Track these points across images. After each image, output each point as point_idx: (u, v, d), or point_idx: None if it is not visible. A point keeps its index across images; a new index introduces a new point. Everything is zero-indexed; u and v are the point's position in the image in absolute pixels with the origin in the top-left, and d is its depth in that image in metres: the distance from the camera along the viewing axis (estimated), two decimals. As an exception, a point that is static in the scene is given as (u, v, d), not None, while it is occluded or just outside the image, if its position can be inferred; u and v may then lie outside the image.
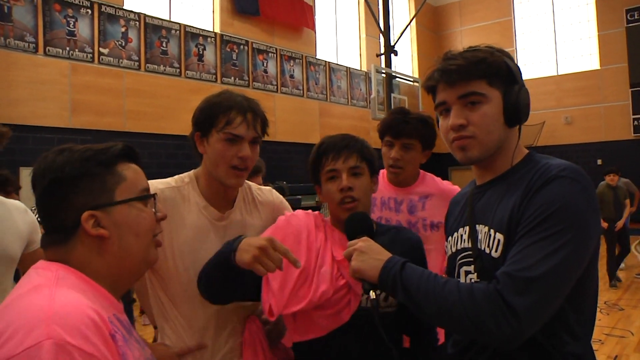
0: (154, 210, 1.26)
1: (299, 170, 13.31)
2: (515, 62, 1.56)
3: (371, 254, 1.54)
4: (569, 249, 1.31)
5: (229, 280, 1.68)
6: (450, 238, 1.70)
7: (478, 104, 1.48)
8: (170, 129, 10.60)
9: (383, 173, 2.74)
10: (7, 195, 3.67)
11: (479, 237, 1.52)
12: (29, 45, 9.05)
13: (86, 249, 1.16)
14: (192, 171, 2.00)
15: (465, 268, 1.57)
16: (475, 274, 1.50)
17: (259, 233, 1.95)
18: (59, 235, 1.17)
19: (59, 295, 1.03)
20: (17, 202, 2.45)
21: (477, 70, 1.47)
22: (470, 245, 1.55)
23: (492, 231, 1.47)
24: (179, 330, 1.89)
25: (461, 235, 1.62)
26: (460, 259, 1.60)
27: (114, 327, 1.07)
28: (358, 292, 1.72)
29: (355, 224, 1.69)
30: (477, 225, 1.54)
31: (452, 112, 1.51)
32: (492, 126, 1.48)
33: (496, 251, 1.43)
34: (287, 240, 1.76)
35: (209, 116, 1.86)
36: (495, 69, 1.48)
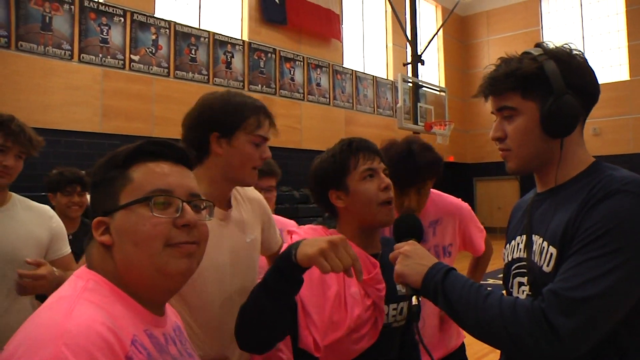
0: (167, 214, 1.09)
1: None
2: (579, 59, 1.42)
3: (416, 259, 1.47)
4: (624, 270, 1.20)
5: (268, 313, 1.46)
6: (507, 245, 1.61)
7: (512, 117, 1.43)
8: (197, 135, 10.71)
9: None
10: (69, 195, 3.68)
11: (534, 248, 1.43)
12: (65, 52, 9.30)
13: (100, 257, 1.11)
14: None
15: (518, 279, 1.49)
16: (528, 286, 1.42)
17: (255, 229, 1.97)
18: (90, 237, 1.14)
19: (77, 310, 0.97)
20: (45, 207, 2.43)
21: (508, 83, 1.42)
22: (525, 256, 1.47)
23: (545, 243, 1.38)
24: (192, 336, 1.86)
25: (518, 244, 1.54)
26: (515, 269, 1.52)
27: (136, 348, 0.99)
28: (382, 309, 1.66)
29: (404, 226, 1.62)
30: (533, 235, 1.46)
31: (494, 124, 1.49)
32: (526, 140, 1.42)
33: (548, 265, 1.34)
34: (313, 269, 1.53)
35: (235, 117, 1.83)
36: (527, 80, 1.40)
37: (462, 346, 2.71)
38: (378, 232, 1.79)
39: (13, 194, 2.30)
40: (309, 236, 1.64)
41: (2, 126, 2.14)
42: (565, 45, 1.45)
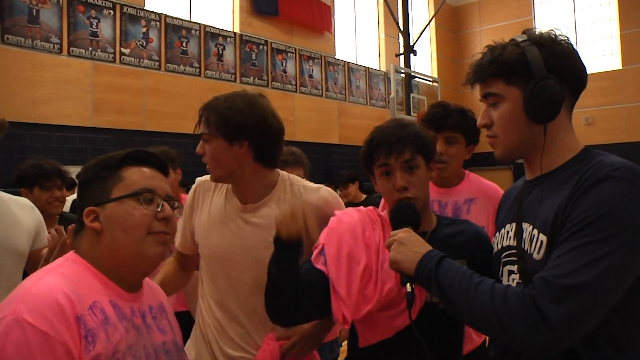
0: (151, 208, 1.34)
1: (318, 169, 13.33)
2: (564, 45, 1.42)
3: (410, 246, 1.48)
4: (615, 257, 1.19)
5: (277, 280, 1.61)
6: (497, 234, 1.61)
7: (497, 104, 1.45)
8: (189, 128, 10.48)
9: None
10: (49, 190, 3.34)
11: (524, 235, 1.43)
12: (53, 46, 9.19)
13: (88, 240, 1.33)
14: None
15: (508, 267, 1.49)
16: (518, 274, 1.42)
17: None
18: (77, 227, 1.37)
19: (44, 279, 1.20)
20: (23, 199, 2.49)
21: (490, 70, 1.44)
22: (515, 244, 1.47)
23: (535, 231, 1.38)
24: (208, 308, 2.01)
25: (507, 232, 1.54)
26: (505, 257, 1.52)
27: (92, 311, 1.20)
28: (422, 288, 1.59)
29: (400, 214, 1.62)
30: (523, 223, 1.46)
31: (482, 111, 1.51)
32: (511, 126, 1.43)
33: (538, 253, 1.34)
34: (344, 240, 1.70)
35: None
36: (510, 65, 1.41)
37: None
38: (423, 212, 1.72)
39: None
40: (355, 218, 1.76)
41: None
42: (551, 32, 1.45)
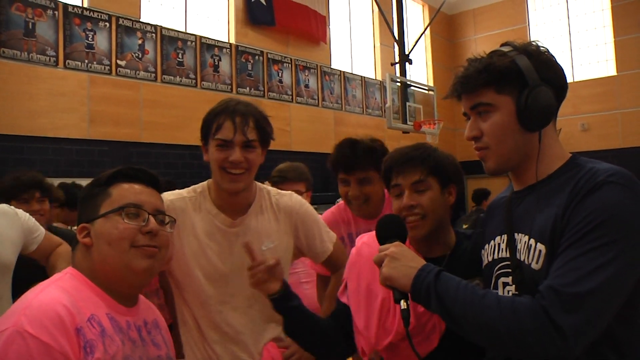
0: (135, 222, 1.38)
1: (315, 179, 13.32)
2: (547, 55, 1.43)
3: (404, 261, 1.42)
4: (620, 261, 1.20)
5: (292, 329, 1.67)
6: (487, 246, 1.58)
7: (487, 114, 1.42)
8: (186, 139, 10.64)
9: (346, 208, 2.59)
10: (26, 203, 3.15)
11: (518, 246, 1.41)
12: (49, 59, 9.18)
13: (82, 255, 1.40)
14: (205, 181, 2.03)
15: (503, 279, 1.46)
16: (514, 286, 1.40)
17: (276, 238, 1.96)
18: (74, 243, 1.43)
19: (45, 292, 1.25)
20: (3, 206, 2.41)
21: (481, 79, 1.41)
22: (508, 255, 1.44)
23: (532, 241, 1.36)
24: (190, 338, 1.92)
25: (498, 244, 1.51)
26: (498, 269, 1.49)
27: (90, 323, 1.24)
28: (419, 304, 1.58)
29: (386, 227, 1.57)
30: (515, 234, 1.44)
31: (469, 123, 1.47)
32: (504, 135, 1.41)
33: (537, 263, 1.33)
34: (362, 275, 1.68)
35: (205, 125, 1.91)
36: (501, 74, 1.40)
37: None
38: (438, 234, 1.71)
39: None
40: (373, 249, 1.61)
41: None
42: (532, 43, 1.45)
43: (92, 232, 1.38)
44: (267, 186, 2.09)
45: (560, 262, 1.25)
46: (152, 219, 1.40)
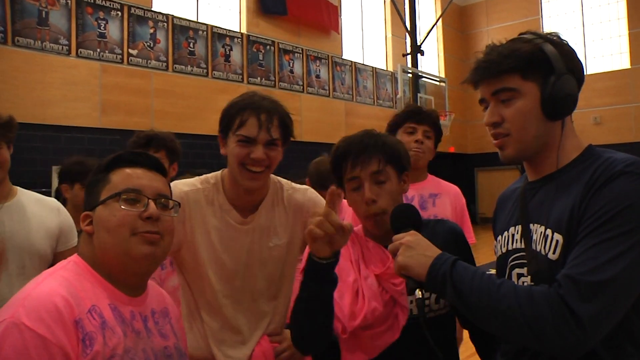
0: (135, 208, 1.32)
1: (324, 170, 13.33)
2: (567, 45, 1.42)
3: (419, 250, 1.40)
4: (638, 250, 1.19)
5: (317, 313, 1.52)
6: (500, 237, 1.56)
7: (511, 100, 1.39)
8: (197, 129, 10.70)
9: None
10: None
11: (533, 237, 1.39)
12: (62, 47, 9.27)
13: (84, 243, 1.36)
14: (219, 171, 1.98)
15: (517, 270, 1.44)
16: (529, 277, 1.38)
17: (285, 234, 1.96)
18: (79, 232, 1.42)
19: (45, 282, 1.22)
20: (50, 199, 2.46)
21: (506, 64, 1.37)
22: (523, 246, 1.43)
23: (548, 231, 1.34)
24: (197, 333, 1.92)
25: (512, 235, 1.49)
26: (512, 260, 1.47)
27: (90, 315, 1.21)
28: (405, 305, 1.58)
29: (401, 216, 1.53)
30: (530, 225, 1.42)
31: (488, 109, 1.43)
32: (527, 122, 1.38)
33: (554, 253, 1.31)
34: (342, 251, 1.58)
35: (226, 118, 1.84)
36: (528, 60, 1.37)
37: None
38: None
39: (17, 187, 2.32)
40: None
41: (2, 128, 2.15)
42: (553, 33, 1.44)
43: (93, 219, 1.33)
44: (281, 179, 2.05)
45: (577, 251, 1.24)
46: (152, 203, 1.34)
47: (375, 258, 1.63)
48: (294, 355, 1.91)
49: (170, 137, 3.00)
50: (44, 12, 9.03)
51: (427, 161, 2.75)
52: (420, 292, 1.41)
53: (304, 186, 2.10)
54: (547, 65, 1.37)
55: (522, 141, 1.40)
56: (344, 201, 2.75)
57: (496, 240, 1.59)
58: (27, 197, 2.33)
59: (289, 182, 2.07)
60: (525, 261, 1.41)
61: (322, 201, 2.05)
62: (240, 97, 1.87)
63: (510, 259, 1.48)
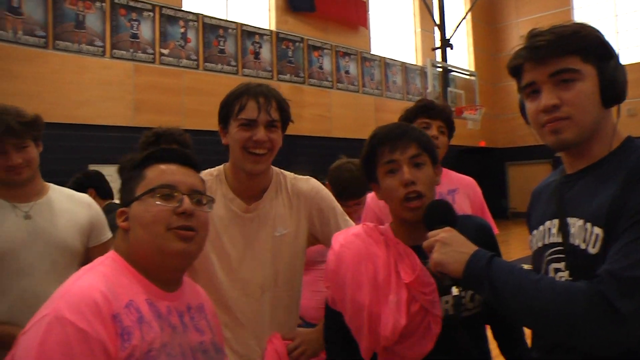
0: (170, 204, 1.32)
1: (354, 165, 13.33)
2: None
3: (455, 246, 1.38)
4: None
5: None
6: (535, 232, 1.52)
7: (572, 82, 1.33)
8: (228, 127, 10.79)
9: None
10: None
11: (571, 231, 1.35)
12: (97, 49, 9.49)
13: (121, 239, 1.37)
14: (222, 165, 2.01)
15: (554, 265, 1.41)
16: (567, 271, 1.35)
17: (289, 224, 1.96)
18: (116, 228, 1.41)
19: (84, 278, 1.25)
20: (82, 195, 2.48)
21: (569, 44, 1.32)
22: (560, 240, 1.39)
23: (588, 225, 1.30)
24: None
25: (549, 229, 1.45)
26: (549, 254, 1.43)
27: (128, 309, 1.23)
28: (437, 313, 1.50)
29: (436, 212, 1.51)
30: (568, 218, 1.38)
31: (543, 93, 1.36)
32: (589, 106, 1.33)
33: (594, 247, 1.28)
34: (347, 283, 1.59)
35: (225, 107, 1.88)
36: (588, 42, 1.33)
37: None
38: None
39: (49, 184, 2.35)
40: (353, 251, 1.60)
41: (28, 126, 2.18)
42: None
43: (129, 215, 1.35)
44: (284, 170, 2.06)
45: (618, 244, 1.20)
46: (186, 199, 1.34)
47: (405, 264, 1.55)
48: (306, 352, 1.91)
49: (178, 132, 3.01)
50: (81, 16, 9.29)
51: (442, 157, 2.71)
52: (457, 290, 1.40)
53: (306, 176, 2.11)
54: (604, 51, 1.34)
55: (582, 125, 1.34)
56: (368, 203, 2.75)
57: (531, 234, 1.56)
58: (58, 194, 2.36)
59: (292, 173, 2.09)
60: (562, 256, 1.38)
61: (325, 190, 2.08)
62: (236, 87, 1.91)
63: (547, 254, 1.45)
